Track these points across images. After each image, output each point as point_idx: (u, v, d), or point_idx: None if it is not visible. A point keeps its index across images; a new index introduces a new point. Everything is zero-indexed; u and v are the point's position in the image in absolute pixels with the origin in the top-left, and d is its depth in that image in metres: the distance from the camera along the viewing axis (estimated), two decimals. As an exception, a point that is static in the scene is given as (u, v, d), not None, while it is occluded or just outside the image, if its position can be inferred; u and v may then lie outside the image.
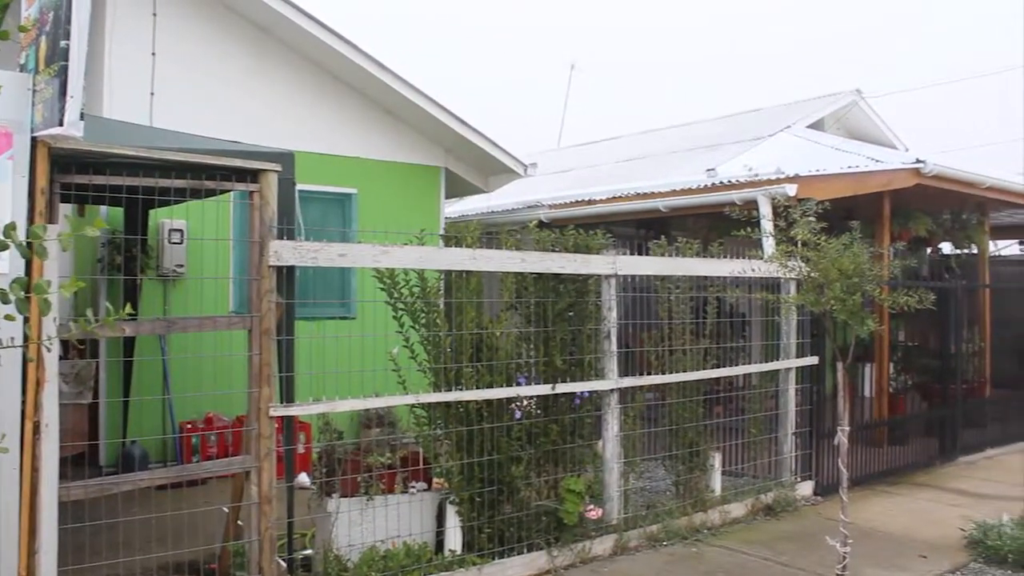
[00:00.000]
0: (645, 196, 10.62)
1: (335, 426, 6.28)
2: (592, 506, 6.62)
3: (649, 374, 7.31)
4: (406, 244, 5.85)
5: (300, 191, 9.12)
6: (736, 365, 8.33)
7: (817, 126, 14.44)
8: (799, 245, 5.65)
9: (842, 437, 5.54)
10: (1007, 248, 18.93)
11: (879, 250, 10.42)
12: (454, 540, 6.11)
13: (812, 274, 5.38)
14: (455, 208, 14.19)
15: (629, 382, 7.00)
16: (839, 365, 5.51)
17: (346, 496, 5.94)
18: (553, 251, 6.60)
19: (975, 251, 13.72)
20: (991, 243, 15.04)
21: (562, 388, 6.50)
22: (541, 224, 10.89)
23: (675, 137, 16.24)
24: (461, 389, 6.06)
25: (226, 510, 5.68)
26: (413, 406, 6.07)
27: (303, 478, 7.76)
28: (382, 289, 6.08)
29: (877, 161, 10.35)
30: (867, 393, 12.14)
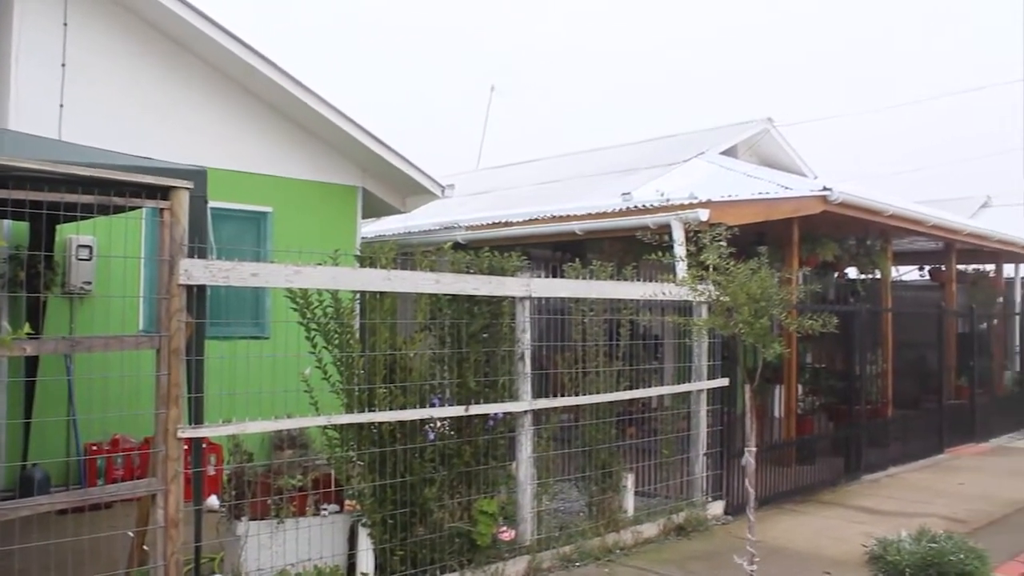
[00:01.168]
0: (561, 219, 10.73)
1: (245, 448, 6.19)
2: (505, 527, 6.62)
3: (563, 395, 7.37)
4: (320, 264, 5.81)
5: (214, 209, 8.97)
6: (649, 387, 8.45)
7: (730, 153, 14.78)
8: (709, 269, 5.77)
9: (749, 458, 5.67)
10: (908, 273, 19.62)
11: (787, 275, 10.71)
12: (366, 563, 6.05)
13: (721, 298, 5.50)
14: (372, 228, 14.12)
15: (543, 403, 7.05)
16: (747, 387, 5.64)
17: (256, 519, 5.85)
18: (468, 272, 6.63)
19: (879, 276, 14.18)
20: (893, 268, 15.56)
21: (476, 409, 6.51)
22: (458, 245, 10.92)
23: (592, 161, 16.44)
24: (374, 411, 6.03)
25: (131, 535, 5.54)
26: (325, 427, 6.01)
27: (213, 501, 7.60)
28: (295, 309, 6.02)
29: (787, 188, 10.63)
30: (777, 414, 12.42)
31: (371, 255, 6.29)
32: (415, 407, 6.20)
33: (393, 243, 6.66)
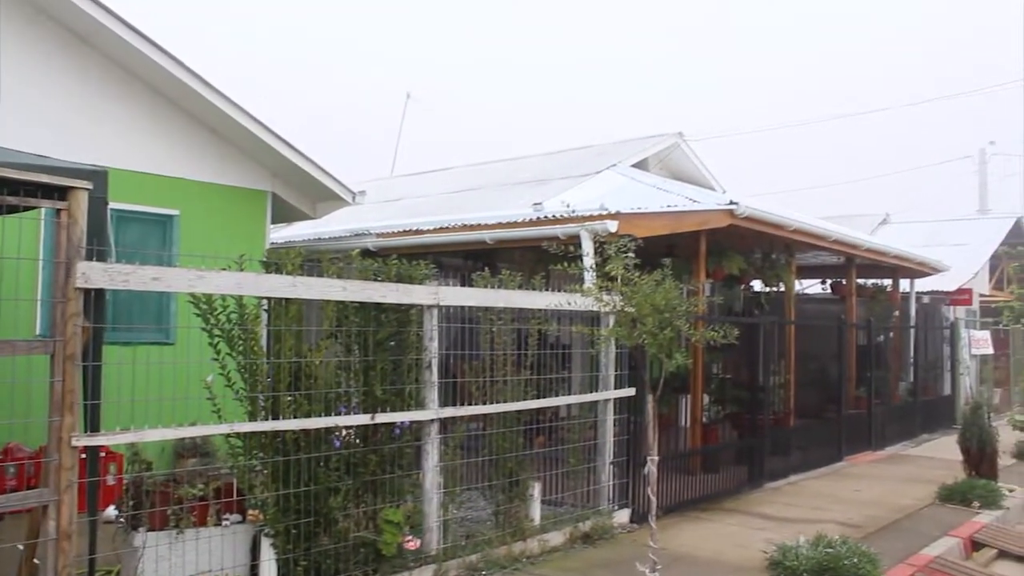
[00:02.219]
0: (472, 228, 10.74)
1: (144, 456, 6.04)
2: (411, 537, 6.59)
3: (471, 404, 7.37)
4: (225, 269, 5.71)
5: (118, 211, 8.81)
6: (557, 396, 8.51)
7: (641, 165, 14.98)
8: (616, 280, 5.85)
9: (651, 467, 5.75)
10: (811, 287, 20.18)
11: (692, 286, 10.91)
12: (268, 573, 5.96)
13: (626, 308, 5.58)
14: (283, 234, 13.93)
15: (450, 412, 7.04)
16: (649, 397, 5.73)
17: (154, 530, 5.71)
18: (376, 280, 6.59)
19: (783, 289, 14.55)
20: (797, 282, 15.99)
21: (382, 418, 6.47)
22: (369, 253, 10.85)
23: (506, 170, 16.50)
24: (279, 419, 5.95)
25: (21, 548, 5.35)
26: (228, 435, 5.91)
27: (110, 512, 7.38)
28: (198, 315, 5.91)
29: (694, 201, 10.83)
30: (684, 423, 12.63)
31: (278, 261, 6.22)
32: (320, 415, 6.13)
33: (301, 249, 6.59)
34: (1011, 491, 10.98)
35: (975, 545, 8.87)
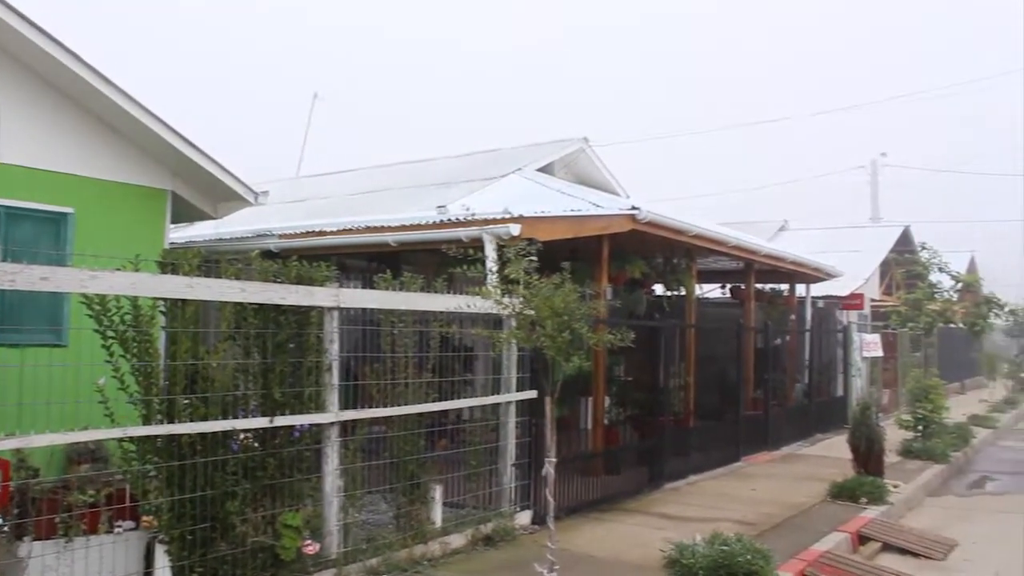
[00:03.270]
0: (375, 230, 10.68)
1: (31, 462, 5.85)
2: (310, 541, 6.53)
3: (372, 407, 7.34)
4: (119, 269, 5.58)
5: (7, 208, 8.51)
6: (460, 398, 8.53)
7: (547, 170, 15.10)
8: (517, 284, 5.91)
9: (549, 469, 5.82)
10: (711, 291, 20.65)
11: (591, 290, 11.05)
12: (162, 581, 5.84)
13: (525, 311, 5.64)
14: (184, 234, 13.63)
15: (350, 415, 7.00)
16: (547, 399, 5.80)
17: (41, 539, 5.54)
18: (276, 282, 6.51)
19: (683, 293, 14.85)
20: (697, 286, 16.34)
21: (281, 421, 6.40)
22: (272, 254, 10.71)
23: (412, 172, 16.45)
24: (174, 422, 5.83)
25: None
26: (121, 440, 5.77)
27: (-6, 519, 7.13)
28: (91, 316, 5.76)
29: (597, 206, 10.98)
30: (586, 425, 12.78)
31: (174, 261, 6.10)
32: (217, 418, 6.04)
33: (201, 250, 6.49)
34: (896, 487, 11.43)
35: (862, 539, 9.20)
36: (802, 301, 20.19)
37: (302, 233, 11.64)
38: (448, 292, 7.97)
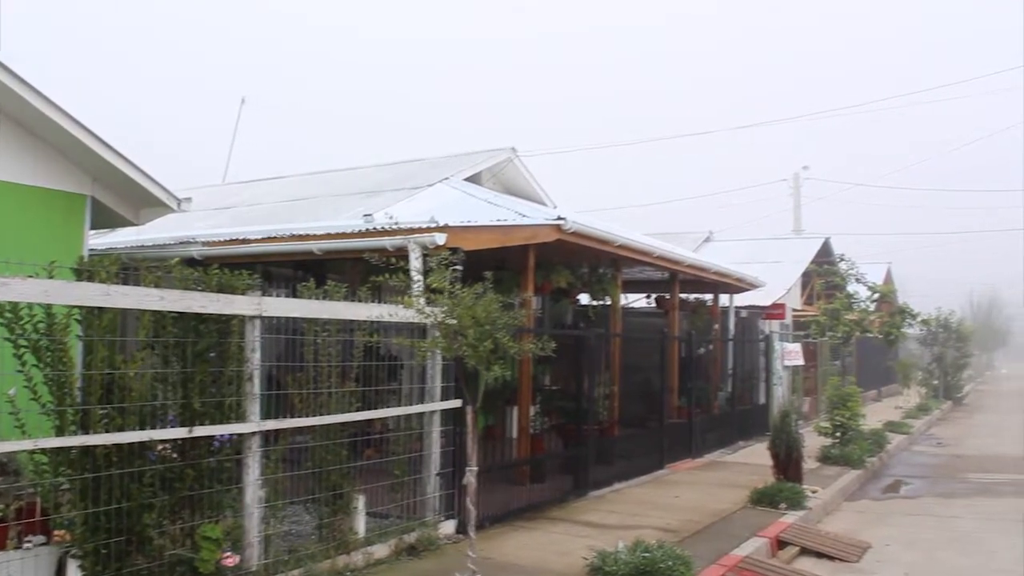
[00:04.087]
0: (300, 238, 10.59)
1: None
2: (230, 553, 6.44)
3: (295, 416, 7.28)
4: (31, 277, 5.45)
5: (-87, 213, 8.22)
6: (386, 408, 8.51)
7: (475, 179, 15.13)
8: (442, 293, 5.92)
9: (470, 478, 5.84)
10: (637, 301, 20.90)
11: (514, 299, 11.11)
12: (74, 595, 5.71)
13: (447, 320, 5.65)
14: (104, 240, 13.33)
15: (272, 424, 6.93)
16: (469, 408, 5.82)
17: (-54, 554, 5.38)
18: (196, 290, 6.42)
19: (609, 303, 15.00)
20: (623, 296, 16.52)
21: (200, 431, 6.30)
22: (195, 262, 10.54)
23: (339, 181, 16.34)
24: (89, 433, 5.71)
25: None
26: (32, 452, 5.63)
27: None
28: (1, 324, 5.61)
29: (524, 216, 11.05)
30: (513, 434, 12.82)
31: (91, 268, 5.98)
32: (134, 429, 5.92)
33: (118, 256, 6.36)
34: (814, 492, 11.70)
35: (781, 544, 9.40)
36: (726, 311, 20.57)
37: (226, 241, 11.49)
38: (373, 301, 7.94)
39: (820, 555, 9.31)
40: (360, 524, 7.89)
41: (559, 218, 10.98)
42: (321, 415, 7.45)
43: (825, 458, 14.87)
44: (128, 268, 6.24)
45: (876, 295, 19.34)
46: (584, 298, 15.60)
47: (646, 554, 7.47)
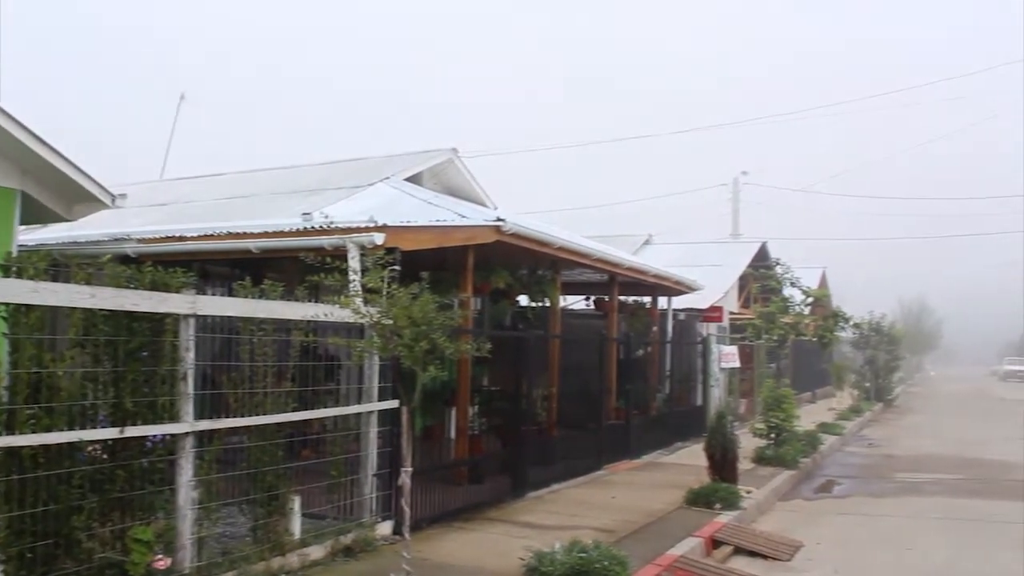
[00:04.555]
0: (238, 236, 10.44)
1: None
2: (161, 556, 6.34)
3: (230, 417, 7.19)
4: (-45, 273, 5.32)
5: None
6: (324, 408, 8.44)
7: (416, 180, 15.06)
8: (379, 293, 5.90)
9: (405, 478, 5.83)
10: (576, 303, 21.01)
11: (450, 300, 11.09)
12: (-2, 601, 5.57)
13: (383, 320, 5.64)
14: (35, 236, 13.03)
15: (206, 425, 6.83)
16: (404, 409, 5.81)
17: None
18: (129, 287, 6.31)
19: (548, 304, 15.07)
20: (562, 298, 16.60)
21: (132, 431, 6.19)
22: (130, 259, 10.35)
23: (279, 179, 16.15)
24: (14, 433, 5.58)
25: None
26: (-46, 453, 5.48)
27: None
28: (-78, 322, 5.47)
29: (463, 217, 11.04)
30: (452, 435, 12.81)
31: (19, 264, 5.85)
32: (63, 429, 5.81)
33: (47, 253, 6.24)
34: (748, 492, 11.88)
35: (715, 543, 9.53)
36: (664, 313, 20.76)
37: (162, 238, 11.30)
38: (311, 301, 7.87)
39: (753, 554, 9.46)
40: (296, 525, 7.82)
41: (498, 219, 10.99)
42: (257, 415, 7.36)
43: (760, 459, 15.09)
44: (59, 265, 6.12)
45: (810, 299, 19.69)
46: (524, 300, 15.62)
47: (582, 554, 7.51)
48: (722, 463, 12.18)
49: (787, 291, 19.80)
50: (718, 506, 10.91)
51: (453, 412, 12.71)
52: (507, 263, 13.33)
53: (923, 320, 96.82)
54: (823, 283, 33.66)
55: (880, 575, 8.90)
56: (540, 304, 15.25)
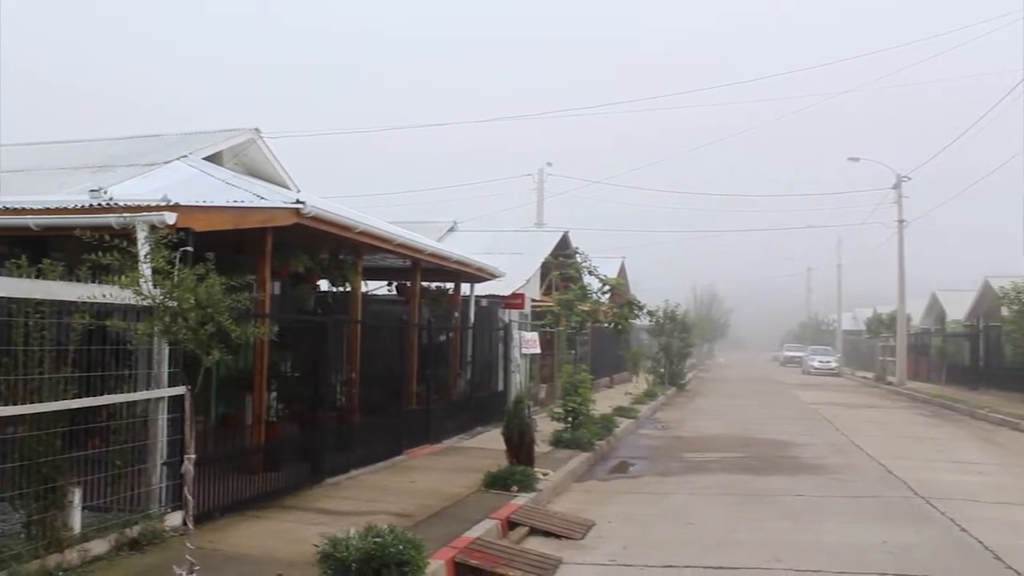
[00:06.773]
0: (16, 212, 9.74)
1: None
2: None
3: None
4: None
5: None
6: (114, 394, 8.03)
7: (216, 159, 14.58)
8: (165, 275, 5.68)
9: (188, 466, 5.67)
10: (379, 288, 20.93)
11: (244, 282, 10.79)
12: None
13: (167, 302, 5.44)
14: None
15: (-30, 413, 6.39)
16: (187, 394, 5.64)
17: None
18: None
19: (350, 289, 14.94)
20: (364, 283, 16.49)
21: None
22: None
23: (67, 153, 15.22)
24: None
25: None
26: None
27: None
28: None
29: (261, 198, 10.79)
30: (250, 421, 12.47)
31: None
32: None
33: None
34: (545, 475, 12.24)
35: (511, 525, 9.77)
36: (467, 300, 20.98)
37: (-73, 212, 10.41)
38: (95, 282, 7.47)
39: (548, 534, 9.74)
40: (76, 519, 7.42)
41: (298, 202, 10.79)
42: (32, 403, 6.94)
43: (557, 442, 15.55)
44: None
45: (608, 287, 20.39)
46: (324, 284, 15.43)
47: (377, 539, 7.50)
48: (519, 446, 12.46)
49: (586, 279, 20.43)
50: (515, 488, 11.16)
51: (249, 398, 12.38)
52: (308, 247, 13.12)
53: (714, 309, 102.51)
54: (622, 272, 34.96)
55: (664, 547, 9.36)
56: (342, 289, 15.10)
